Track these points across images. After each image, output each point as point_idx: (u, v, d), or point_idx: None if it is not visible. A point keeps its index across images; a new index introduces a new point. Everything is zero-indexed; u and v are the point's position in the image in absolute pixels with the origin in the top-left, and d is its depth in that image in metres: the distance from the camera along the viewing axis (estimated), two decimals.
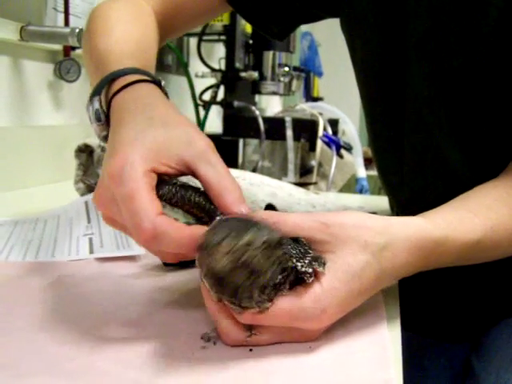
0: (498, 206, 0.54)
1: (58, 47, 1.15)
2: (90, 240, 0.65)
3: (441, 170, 0.68)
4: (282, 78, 1.77)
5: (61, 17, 1.14)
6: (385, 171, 0.80)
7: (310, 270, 0.39)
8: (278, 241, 0.38)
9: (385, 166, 0.79)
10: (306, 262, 0.39)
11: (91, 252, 0.61)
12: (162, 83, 0.52)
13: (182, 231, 0.39)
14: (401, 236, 0.44)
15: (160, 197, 0.41)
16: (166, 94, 0.52)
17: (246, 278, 0.36)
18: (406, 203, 0.75)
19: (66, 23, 1.14)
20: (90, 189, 0.80)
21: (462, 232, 0.49)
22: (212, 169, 0.43)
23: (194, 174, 0.43)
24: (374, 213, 0.48)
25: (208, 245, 0.36)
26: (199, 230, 0.39)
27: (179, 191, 0.42)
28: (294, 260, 0.38)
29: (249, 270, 0.36)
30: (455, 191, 0.56)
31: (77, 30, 1.04)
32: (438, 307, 0.79)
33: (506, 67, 0.60)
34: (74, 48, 1.16)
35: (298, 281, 0.39)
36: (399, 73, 0.67)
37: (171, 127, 0.45)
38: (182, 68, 1.77)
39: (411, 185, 0.72)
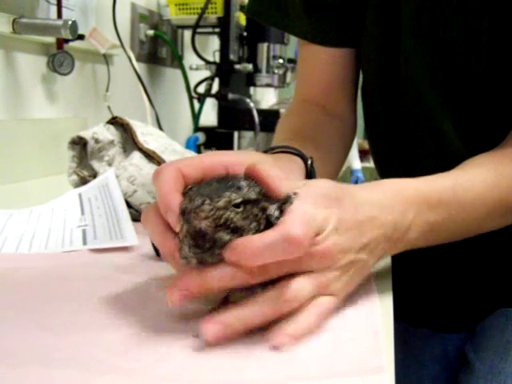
0: (476, 168, 0.56)
1: (51, 40, 1.15)
2: (84, 231, 0.65)
3: (434, 143, 0.68)
4: (276, 70, 1.77)
5: (53, 9, 1.14)
6: (378, 148, 0.80)
7: (277, 213, 0.40)
8: (254, 199, 0.39)
9: (378, 145, 0.80)
10: (275, 206, 0.40)
11: (85, 243, 0.61)
12: (309, 161, 0.58)
13: (174, 199, 0.40)
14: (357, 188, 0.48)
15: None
16: (306, 161, 0.57)
17: (228, 236, 0.38)
18: None
19: (59, 15, 1.13)
20: (83, 181, 0.80)
21: (432, 180, 0.52)
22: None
23: None
24: None
25: (189, 211, 0.38)
26: None
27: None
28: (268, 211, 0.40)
29: (229, 230, 0.38)
30: (447, 169, 0.56)
31: (69, 23, 1.02)
32: (432, 297, 0.80)
33: (502, 36, 0.61)
34: (67, 41, 1.15)
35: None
36: (395, 45, 0.68)
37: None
38: (177, 61, 1.76)
39: (403, 161, 0.73)
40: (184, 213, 0.38)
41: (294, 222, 0.39)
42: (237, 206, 0.38)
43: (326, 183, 0.45)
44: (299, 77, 0.83)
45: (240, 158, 0.45)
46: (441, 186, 0.52)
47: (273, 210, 0.40)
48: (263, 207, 0.40)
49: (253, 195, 0.39)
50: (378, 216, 0.46)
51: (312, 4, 0.74)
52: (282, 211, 0.40)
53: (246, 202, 0.39)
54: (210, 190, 0.38)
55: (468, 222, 0.54)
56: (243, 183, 0.39)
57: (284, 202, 0.41)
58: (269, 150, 0.58)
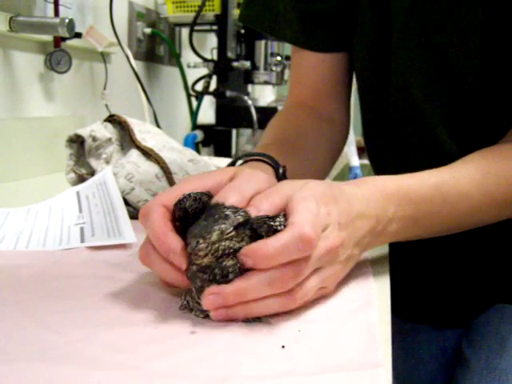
0: (465, 165, 0.57)
1: (49, 38, 1.15)
2: (82, 229, 0.65)
3: (426, 143, 0.69)
4: (274, 68, 1.77)
5: (50, 7, 1.13)
6: (372, 149, 0.81)
7: (282, 228, 0.41)
8: (244, 221, 0.41)
9: (372, 143, 0.80)
10: (277, 223, 0.42)
11: (82, 241, 0.61)
12: (280, 169, 0.58)
13: (171, 240, 0.42)
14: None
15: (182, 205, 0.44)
16: (277, 170, 0.58)
17: (232, 261, 0.41)
18: None
19: (56, 14, 1.13)
20: (81, 179, 0.80)
21: (415, 176, 0.54)
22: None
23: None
24: None
25: (190, 253, 0.40)
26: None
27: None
28: (270, 222, 0.41)
29: (230, 255, 0.41)
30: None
31: (66, 21, 1.02)
32: (429, 293, 0.80)
33: (494, 38, 0.61)
34: (64, 39, 1.15)
35: None
36: (386, 48, 0.69)
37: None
38: (174, 59, 1.76)
39: (396, 161, 0.73)
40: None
41: (304, 222, 0.40)
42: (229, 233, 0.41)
43: (321, 183, 0.47)
44: (291, 80, 0.85)
45: (218, 179, 0.47)
46: (423, 182, 0.54)
47: (277, 222, 0.41)
48: (252, 225, 0.42)
49: (241, 218, 0.41)
50: (365, 211, 0.48)
51: (305, 11, 0.74)
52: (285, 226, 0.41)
53: (236, 227, 0.41)
54: (199, 228, 0.40)
55: (453, 217, 0.56)
56: (228, 212, 0.42)
57: (275, 216, 0.42)
58: (242, 158, 0.60)
